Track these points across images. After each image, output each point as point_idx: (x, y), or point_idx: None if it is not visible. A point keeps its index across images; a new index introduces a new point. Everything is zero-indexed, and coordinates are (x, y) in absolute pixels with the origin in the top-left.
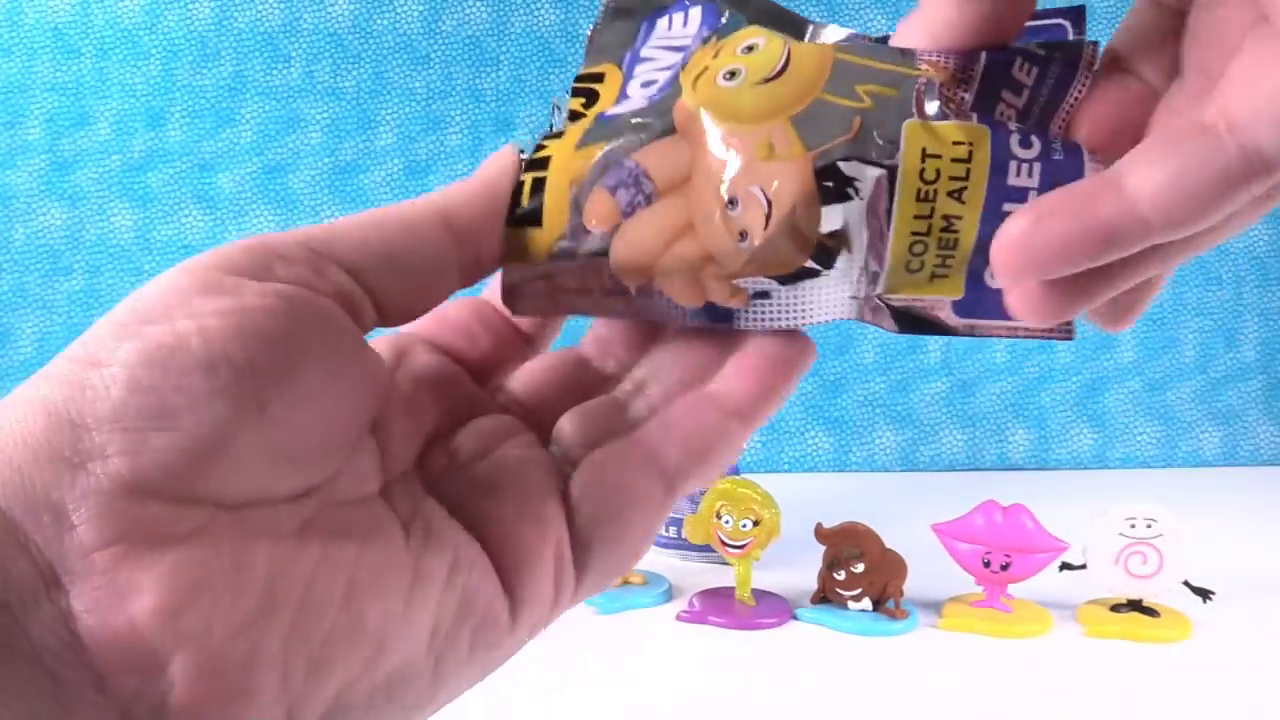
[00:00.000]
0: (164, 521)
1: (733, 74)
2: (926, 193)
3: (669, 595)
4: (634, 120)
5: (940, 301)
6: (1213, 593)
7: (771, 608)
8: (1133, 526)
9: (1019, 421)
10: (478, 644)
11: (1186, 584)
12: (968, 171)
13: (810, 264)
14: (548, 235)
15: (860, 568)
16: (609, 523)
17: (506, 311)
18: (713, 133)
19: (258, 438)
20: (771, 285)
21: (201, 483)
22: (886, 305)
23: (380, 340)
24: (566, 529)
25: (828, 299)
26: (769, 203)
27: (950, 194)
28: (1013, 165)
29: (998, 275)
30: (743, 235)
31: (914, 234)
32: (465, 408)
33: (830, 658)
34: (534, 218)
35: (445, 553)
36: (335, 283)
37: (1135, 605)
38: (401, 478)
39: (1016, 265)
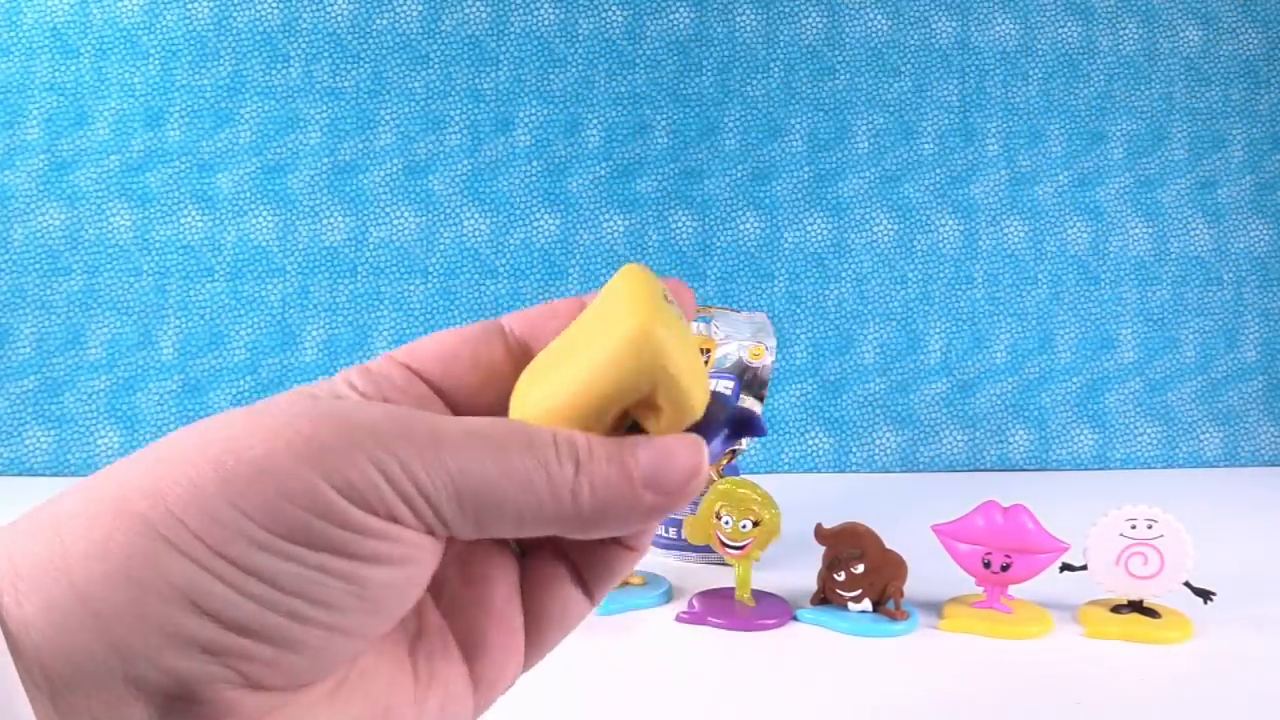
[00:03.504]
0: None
1: None
2: None
3: (669, 596)
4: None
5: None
6: (1213, 593)
7: (771, 608)
8: (1133, 527)
9: (1019, 422)
10: None
11: (1187, 585)
12: None
13: None
14: None
15: (860, 568)
16: (538, 625)
17: None
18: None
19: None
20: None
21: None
22: None
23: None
24: (523, 631)
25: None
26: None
27: None
28: None
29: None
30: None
31: None
32: None
33: (830, 659)
34: None
35: (439, 690)
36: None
37: (1136, 606)
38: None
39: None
